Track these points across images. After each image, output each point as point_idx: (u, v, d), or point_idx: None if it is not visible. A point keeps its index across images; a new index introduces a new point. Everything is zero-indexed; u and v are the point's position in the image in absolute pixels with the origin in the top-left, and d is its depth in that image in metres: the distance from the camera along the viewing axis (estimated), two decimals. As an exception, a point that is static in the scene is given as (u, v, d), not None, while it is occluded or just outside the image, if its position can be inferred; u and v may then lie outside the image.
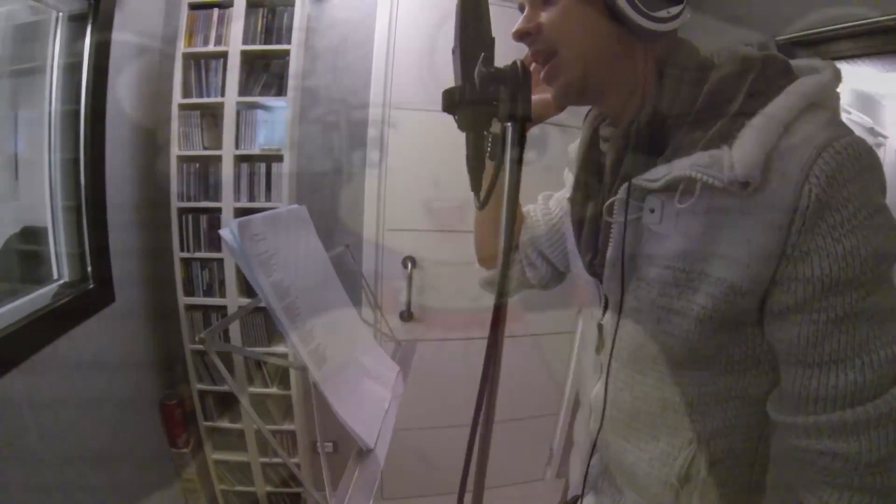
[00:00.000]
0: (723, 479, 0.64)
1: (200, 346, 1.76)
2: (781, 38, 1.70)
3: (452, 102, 0.58)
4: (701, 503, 0.64)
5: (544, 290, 0.95)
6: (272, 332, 1.89)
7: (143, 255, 1.81)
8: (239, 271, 1.80)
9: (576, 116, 0.80)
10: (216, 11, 1.69)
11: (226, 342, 1.81)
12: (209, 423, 1.88)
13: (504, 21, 0.64)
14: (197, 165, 1.75)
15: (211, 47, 1.69)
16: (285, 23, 1.71)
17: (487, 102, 0.54)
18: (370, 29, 1.89)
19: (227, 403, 1.92)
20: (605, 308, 0.70)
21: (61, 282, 1.46)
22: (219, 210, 1.76)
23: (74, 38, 1.42)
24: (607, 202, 0.62)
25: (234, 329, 1.81)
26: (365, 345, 1.03)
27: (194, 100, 1.71)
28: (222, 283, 1.80)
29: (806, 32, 1.62)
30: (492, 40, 0.58)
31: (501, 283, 0.51)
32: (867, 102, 1.98)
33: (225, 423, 1.89)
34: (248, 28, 1.69)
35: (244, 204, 1.77)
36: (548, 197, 0.92)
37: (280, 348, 1.86)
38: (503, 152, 0.52)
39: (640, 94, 0.62)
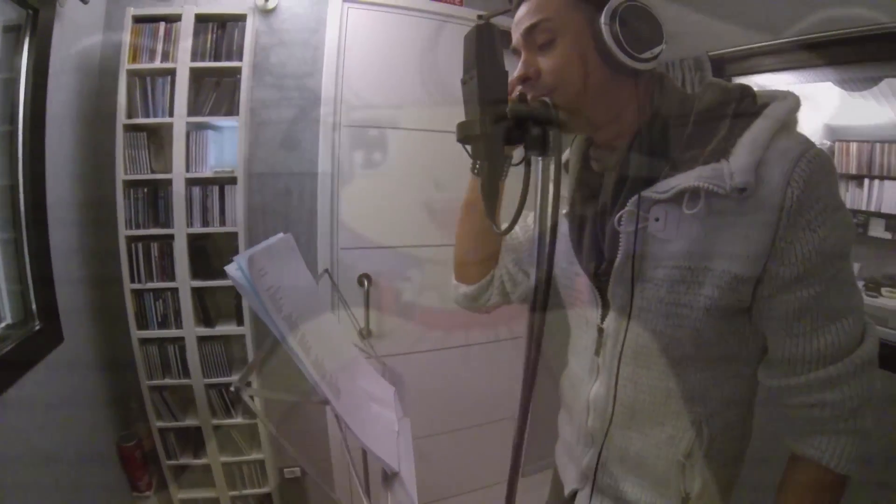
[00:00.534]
0: (719, 450, 0.77)
1: (159, 383, 1.74)
2: (713, 53, 1.92)
3: (470, 134, 0.66)
4: (702, 474, 0.76)
5: (522, 303, 1.00)
6: (232, 361, 1.85)
7: (90, 289, 1.73)
8: (196, 300, 1.76)
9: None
10: (162, 25, 1.63)
11: (185, 377, 1.78)
12: (172, 462, 1.82)
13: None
14: (145, 190, 1.68)
15: (157, 64, 1.63)
16: (236, 39, 1.68)
17: (511, 138, 0.63)
18: (320, 44, 1.89)
19: (189, 439, 1.87)
20: (605, 313, 0.78)
21: (3, 324, 1.38)
22: (170, 237, 1.70)
23: (9, 51, 1.34)
24: (617, 215, 0.70)
25: (193, 360, 1.76)
26: (362, 369, 1.09)
27: (140, 120, 1.64)
28: (178, 313, 1.74)
29: (735, 49, 1.85)
30: (506, 74, 0.67)
31: (543, 296, 0.60)
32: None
33: (189, 460, 1.85)
34: (197, 44, 1.64)
35: (197, 229, 1.73)
36: (526, 214, 1.01)
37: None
38: (527, 180, 0.65)
39: (633, 122, 0.71)
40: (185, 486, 1.88)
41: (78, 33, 1.60)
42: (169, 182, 1.69)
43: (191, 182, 1.71)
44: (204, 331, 1.78)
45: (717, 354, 0.72)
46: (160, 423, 1.78)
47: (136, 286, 1.70)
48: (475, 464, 2.44)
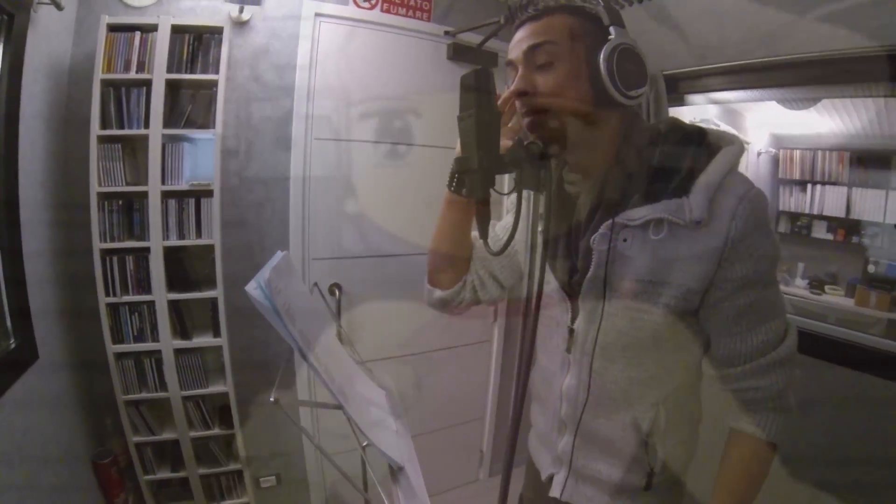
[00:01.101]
0: (675, 428, 0.93)
1: (135, 397, 1.78)
2: (667, 72, 2.12)
3: (467, 167, 0.77)
4: (663, 449, 0.92)
5: (491, 305, 1.18)
6: (210, 373, 1.91)
7: (64, 303, 1.75)
8: (173, 313, 1.80)
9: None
10: (138, 35, 1.66)
11: (163, 390, 1.82)
12: (150, 477, 1.85)
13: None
14: (120, 202, 1.71)
15: (133, 74, 1.66)
16: (212, 51, 1.72)
17: (503, 168, 0.76)
18: (292, 58, 1.97)
19: (166, 453, 1.90)
20: (574, 315, 0.92)
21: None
22: (146, 250, 1.73)
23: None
24: (592, 236, 0.83)
25: (170, 373, 1.80)
26: (359, 376, 1.20)
27: (115, 131, 1.67)
28: (154, 326, 1.77)
29: (687, 69, 2.06)
30: (499, 116, 0.78)
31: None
32: (732, 115, 2.50)
33: (167, 474, 1.88)
34: (174, 55, 1.68)
35: (173, 242, 1.77)
36: (494, 223, 1.07)
37: (220, 387, 1.91)
38: (518, 211, 0.78)
39: (607, 152, 0.84)
40: (162, 501, 1.91)
41: (49, 40, 1.60)
42: (143, 194, 1.72)
43: (167, 195, 1.74)
44: (181, 343, 1.82)
45: (670, 348, 0.88)
46: (137, 438, 1.81)
47: (112, 300, 1.72)
48: (446, 465, 2.59)
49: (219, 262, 1.83)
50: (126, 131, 1.69)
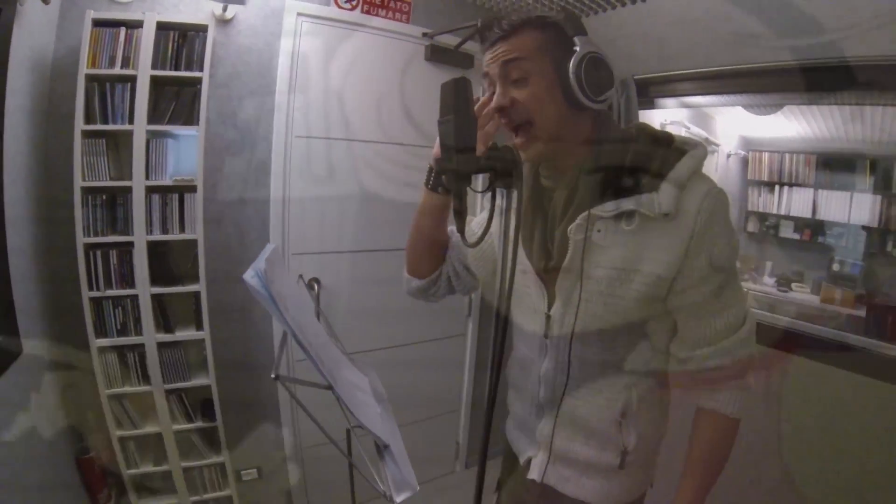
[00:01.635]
0: (646, 409, 1.03)
1: (118, 391, 1.84)
2: (638, 76, 2.26)
3: (447, 167, 0.85)
4: (636, 429, 1.01)
5: (465, 295, 1.27)
6: (192, 366, 1.97)
7: (48, 298, 1.79)
8: (156, 307, 1.86)
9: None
10: (123, 31, 1.69)
11: (146, 383, 1.89)
12: (133, 471, 1.89)
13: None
14: (104, 197, 1.75)
15: (117, 70, 1.70)
16: (197, 48, 1.78)
17: (480, 169, 0.84)
18: (274, 56, 2.04)
19: (148, 447, 1.95)
20: (551, 302, 1.00)
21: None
22: (130, 244, 1.78)
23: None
24: (570, 226, 0.92)
25: (153, 366, 1.85)
26: (344, 362, 1.29)
27: (99, 126, 1.70)
28: (137, 320, 1.82)
29: (657, 74, 2.20)
30: (475, 120, 0.87)
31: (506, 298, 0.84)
32: (703, 118, 2.65)
33: (149, 468, 1.93)
34: (158, 51, 1.73)
35: (157, 237, 1.82)
36: (469, 219, 1.15)
37: (203, 380, 1.97)
38: (492, 207, 0.89)
39: (581, 150, 0.93)
40: (145, 496, 1.96)
41: (33, 34, 1.63)
42: (127, 189, 1.76)
43: (150, 189, 1.79)
44: (164, 337, 1.87)
45: (639, 332, 0.98)
46: (120, 432, 1.85)
47: (95, 294, 1.76)
48: (422, 458, 2.68)
49: (202, 256, 1.88)
50: (110, 126, 1.73)
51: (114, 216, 1.80)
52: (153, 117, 1.78)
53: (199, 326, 1.93)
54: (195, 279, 1.91)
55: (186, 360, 1.94)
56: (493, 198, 0.91)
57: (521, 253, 1.03)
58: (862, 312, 1.93)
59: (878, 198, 1.96)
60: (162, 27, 1.75)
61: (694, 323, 0.95)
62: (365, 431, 1.09)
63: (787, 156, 2.37)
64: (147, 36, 1.71)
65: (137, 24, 1.72)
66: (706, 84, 2.07)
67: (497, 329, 0.88)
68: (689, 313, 0.94)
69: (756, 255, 2.64)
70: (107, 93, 1.73)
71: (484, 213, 1.19)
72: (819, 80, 1.85)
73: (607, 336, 0.98)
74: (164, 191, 1.83)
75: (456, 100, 0.82)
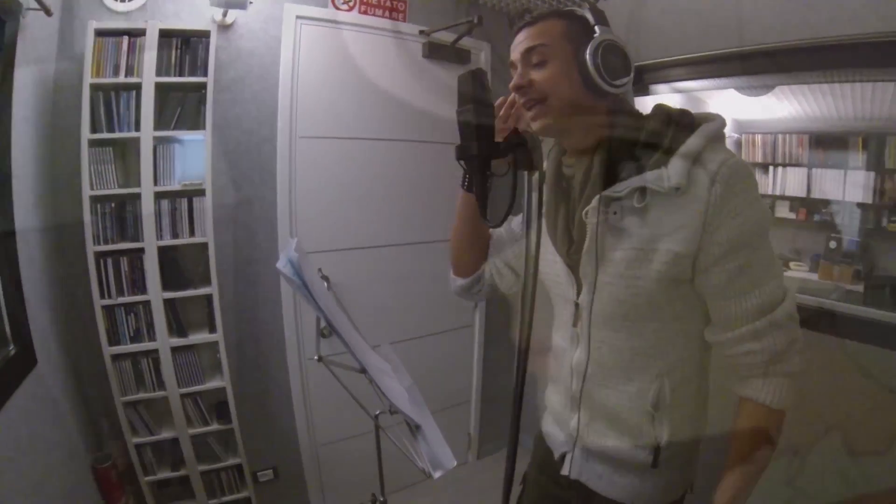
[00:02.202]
0: (680, 401, 1.00)
1: (133, 398, 1.87)
2: (634, 64, 2.34)
3: (469, 153, 0.90)
4: (670, 422, 0.99)
5: (508, 293, 1.26)
6: (206, 369, 2.00)
7: (59, 307, 1.81)
8: (168, 312, 1.89)
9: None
10: (125, 39, 1.73)
11: (161, 389, 1.92)
12: (151, 478, 1.92)
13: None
14: (112, 205, 1.78)
15: (122, 78, 1.73)
16: (200, 53, 1.82)
17: (498, 154, 0.89)
18: (275, 59, 2.09)
19: (164, 452, 1.98)
20: (579, 291, 1.02)
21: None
22: (140, 251, 1.82)
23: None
24: (584, 210, 0.94)
25: (168, 372, 1.88)
26: (367, 349, 1.34)
27: (105, 135, 1.74)
28: (151, 326, 1.85)
29: (652, 61, 2.27)
30: (492, 108, 0.90)
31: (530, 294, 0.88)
32: (695, 102, 2.73)
33: (167, 474, 1.96)
34: (162, 59, 1.77)
35: (167, 242, 1.85)
36: (510, 220, 1.22)
37: (217, 382, 2.02)
38: (514, 189, 0.90)
39: (597, 134, 0.95)
40: (163, 502, 1.99)
41: (36, 45, 1.66)
42: (136, 196, 1.80)
43: (159, 195, 1.83)
44: (177, 341, 1.90)
45: (668, 316, 0.96)
46: (136, 439, 1.88)
47: (107, 302, 1.79)
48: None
49: (213, 259, 1.92)
50: (117, 134, 1.77)
51: (123, 223, 1.83)
52: (159, 124, 1.81)
53: (213, 329, 1.97)
54: (206, 282, 1.95)
55: (200, 363, 1.97)
56: (515, 182, 0.91)
57: (549, 241, 1.07)
58: (859, 287, 1.99)
59: (872, 174, 2.01)
60: (164, 34, 1.79)
61: (722, 304, 0.91)
62: (392, 416, 1.15)
63: (780, 136, 2.42)
64: (150, 44, 1.75)
65: (140, 33, 1.76)
66: (699, 69, 2.15)
67: (524, 316, 0.91)
68: (717, 293, 0.91)
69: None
70: (112, 101, 1.76)
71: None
72: (810, 59, 1.92)
73: (633, 321, 0.97)
74: (172, 196, 1.87)
75: (473, 90, 0.86)
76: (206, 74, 1.85)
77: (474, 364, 2.94)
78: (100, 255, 1.79)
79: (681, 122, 0.92)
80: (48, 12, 1.60)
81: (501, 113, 1.04)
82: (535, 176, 0.88)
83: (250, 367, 2.16)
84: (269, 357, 2.23)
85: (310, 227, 2.27)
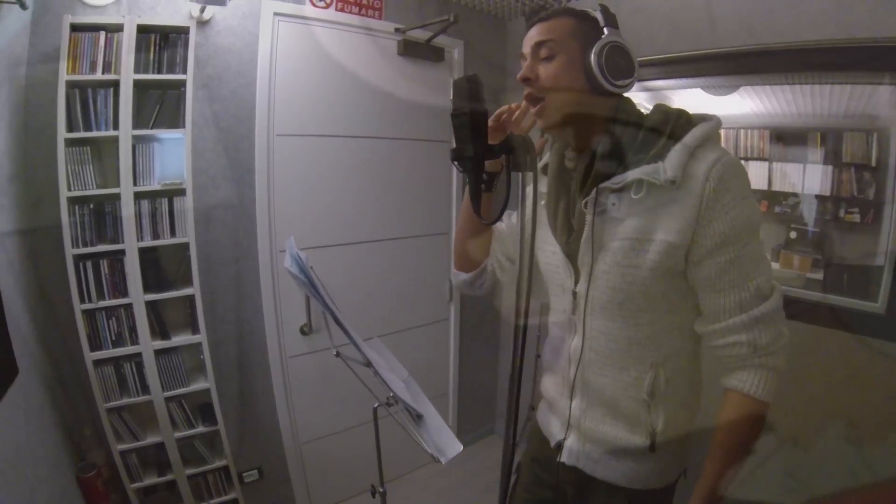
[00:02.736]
0: (675, 390, 1.05)
1: (117, 403, 1.85)
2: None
3: (463, 155, 0.93)
4: (665, 410, 1.04)
5: (512, 284, 1.34)
6: (189, 371, 1.99)
7: (38, 313, 1.77)
8: (150, 314, 1.87)
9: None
10: (102, 35, 1.69)
11: (145, 393, 1.90)
12: (137, 485, 1.89)
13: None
14: (91, 206, 1.75)
15: (99, 75, 1.70)
16: (179, 50, 1.79)
17: (492, 156, 0.92)
18: (253, 56, 2.08)
19: (150, 458, 1.95)
20: (577, 280, 1.08)
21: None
22: (121, 253, 1.79)
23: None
24: (583, 200, 0.99)
25: (152, 375, 1.86)
26: (364, 344, 1.37)
27: (83, 134, 1.70)
28: (133, 329, 1.83)
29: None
30: (486, 112, 0.94)
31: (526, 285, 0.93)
32: (661, 100, 2.86)
33: (153, 479, 1.93)
34: (140, 55, 1.74)
35: (148, 243, 1.83)
36: (510, 214, 1.28)
37: (201, 384, 2.00)
38: (508, 187, 0.92)
39: (598, 131, 1.01)
40: (150, 508, 1.98)
41: (9, 40, 1.61)
42: (115, 197, 1.77)
43: (139, 195, 1.80)
44: (160, 344, 1.88)
45: (662, 307, 1.01)
46: (121, 446, 1.85)
47: (88, 306, 1.75)
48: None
49: (195, 259, 1.91)
50: (94, 133, 1.73)
51: (102, 225, 1.79)
52: (138, 122, 1.78)
53: (196, 330, 1.95)
54: (188, 283, 1.93)
55: (183, 365, 1.96)
56: (508, 181, 0.94)
57: (549, 232, 1.13)
58: (818, 275, 2.13)
59: (830, 168, 2.14)
60: (142, 30, 1.75)
61: (712, 296, 0.96)
62: (388, 407, 1.19)
63: (743, 132, 2.54)
64: (128, 40, 1.72)
65: (117, 28, 1.72)
66: (668, 69, 2.26)
67: (519, 306, 0.94)
68: (707, 285, 0.96)
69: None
70: (89, 99, 1.72)
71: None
72: (773, 62, 2.05)
73: (629, 311, 1.02)
74: (152, 196, 1.84)
75: (469, 94, 0.91)
76: (185, 72, 1.82)
77: (451, 357, 3.02)
78: (79, 258, 1.75)
79: (678, 121, 0.98)
80: (23, 5, 1.55)
81: (491, 124, 1.09)
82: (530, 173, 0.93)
83: (232, 367, 2.16)
84: (251, 356, 2.23)
85: (287, 224, 2.28)
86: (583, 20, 0.99)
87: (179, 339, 1.95)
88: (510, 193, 0.96)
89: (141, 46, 1.76)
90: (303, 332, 2.39)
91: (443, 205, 2.76)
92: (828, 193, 2.14)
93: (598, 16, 0.98)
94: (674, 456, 1.12)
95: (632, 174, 0.95)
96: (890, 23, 1.60)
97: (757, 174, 2.51)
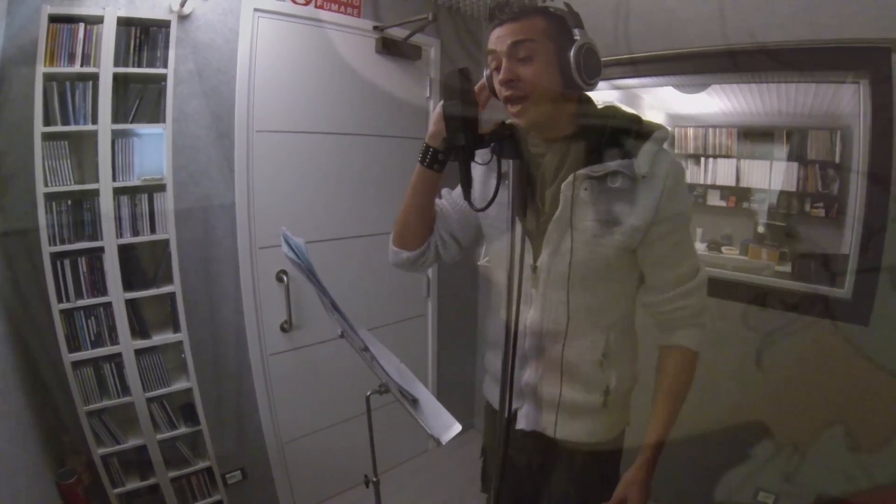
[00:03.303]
0: (621, 350, 1.21)
1: (97, 406, 1.81)
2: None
3: (456, 143, 1.05)
4: (614, 368, 1.19)
5: (450, 262, 1.40)
6: (171, 371, 1.97)
7: (13, 315, 1.73)
8: (131, 312, 1.84)
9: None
10: (82, 27, 1.66)
11: (126, 395, 1.86)
12: (119, 490, 1.85)
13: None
14: (69, 202, 1.71)
15: (77, 68, 1.67)
16: (160, 44, 1.78)
17: (482, 145, 1.05)
18: (233, 52, 2.07)
19: (132, 461, 1.91)
20: (535, 256, 1.17)
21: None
22: (99, 250, 1.76)
23: None
24: (563, 184, 1.08)
25: (133, 376, 1.83)
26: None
27: (60, 128, 1.67)
28: (112, 329, 1.79)
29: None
30: (476, 104, 1.05)
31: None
32: (631, 97, 2.95)
33: (136, 484, 1.90)
34: (120, 48, 1.71)
35: (128, 240, 1.80)
36: (448, 191, 1.36)
37: (183, 384, 1.98)
38: (499, 174, 1.10)
39: (568, 124, 1.11)
40: (133, 512, 1.93)
41: None
42: (93, 193, 1.74)
43: (118, 191, 1.77)
44: (141, 343, 1.86)
45: (614, 278, 1.16)
46: (102, 450, 1.81)
47: (66, 305, 1.71)
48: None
49: (175, 256, 1.89)
50: (72, 127, 1.70)
51: (80, 221, 1.75)
52: (117, 116, 1.76)
53: (177, 328, 1.93)
54: (168, 280, 1.91)
55: (164, 364, 1.93)
56: (500, 167, 1.08)
57: (506, 211, 1.17)
58: (786, 267, 2.25)
59: (795, 164, 2.25)
60: (122, 23, 1.73)
61: (661, 271, 1.14)
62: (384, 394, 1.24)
63: (711, 130, 2.62)
64: (108, 32, 1.69)
65: (97, 20, 1.69)
66: (640, 67, 2.36)
67: (511, 291, 1.06)
68: (657, 262, 1.14)
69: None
70: (66, 92, 1.69)
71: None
72: (742, 62, 2.15)
73: (590, 282, 1.15)
74: (132, 191, 1.81)
75: (461, 85, 1.01)
76: (165, 66, 1.81)
77: (429, 353, 3.06)
78: (56, 256, 1.71)
79: (640, 124, 1.12)
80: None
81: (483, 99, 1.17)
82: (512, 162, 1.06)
83: (212, 366, 2.13)
84: (231, 355, 2.21)
85: (267, 221, 2.27)
86: (553, 20, 1.06)
87: (160, 339, 1.92)
88: (501, 178, 1.10)
89: (121, 39, 1.74)
90: (283, 329, 2.38)
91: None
92: (794, 189, 2.24)
93: (567, 17, 1.06)
94: (621, 409, 1.27)
95: (610, 166, 1.07)
96: (854, 24, 1.71)
97: (725, 171, 2.61)
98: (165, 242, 1.89)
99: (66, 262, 1.73)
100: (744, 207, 2.62)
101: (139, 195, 1.83)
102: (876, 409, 1.82)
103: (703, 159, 2.64)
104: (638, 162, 1.05)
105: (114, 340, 1.82)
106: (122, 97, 1.80)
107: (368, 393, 1.39)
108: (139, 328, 1.88)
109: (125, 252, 1.83)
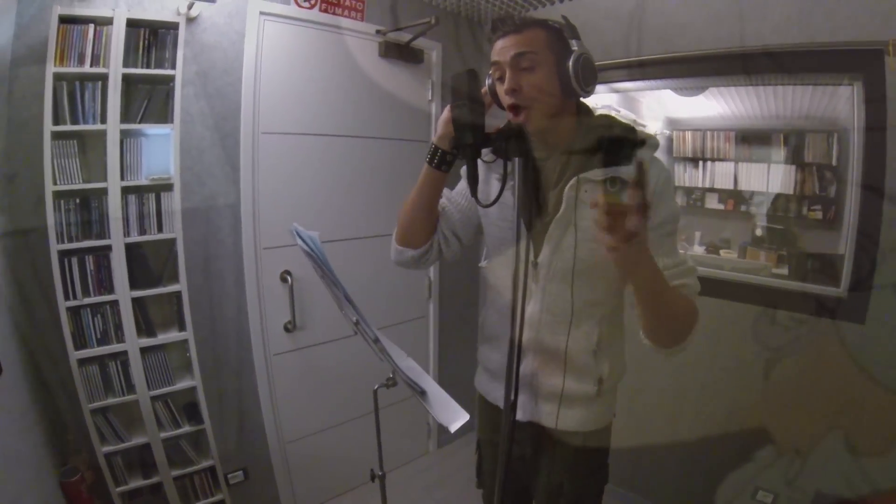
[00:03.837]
0: (612, 341, 1.28)
1: (102, 404, 1.83)
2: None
3: (464, 143, 1.11)
4: (607, 357, 1.25)
5: (451, 260, 1.46)
6: (176, 369, 1.99)
7: (21, 310, 1.75)
8: (137, 310, 1.86)
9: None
10: (92, 28, 1.70)
11: (130, 393, 1.89)
12: (122, 488, 1.87)
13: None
14: (77, 201, 1.74)
15: (87, 68, 1.70)
16: (168, 45, 1.82)
17: (489, 144, 1.11)
18: (238, 55, 2.11)
19: (135, 459, 1.93)
20: (536, 252, 1.22)
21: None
22: (107, 248, 1.78)
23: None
24: (567, 186, 1.15)
25: (138, 374, 1.86)
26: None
27: (69, 127, 1.70)
28: (119, 327, 1.82)
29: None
30: (483, 105, 1.13)
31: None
32: (630, 101, 3.00)
33: (139, 482, 1.91)
34: (129, 49, 1.75)
35: (135, 238, 1.83)
36: (448, 191, 1.42)
37: (187, 382, 2.00)
38: (505, 173, 1.20)
39: (568, 130, 1.20)
40: (136, 510, 1.94)
41: None
42: (101, 191, 1.77)
43: (126, 190, 1.80)
44: (147, 341, 1.88)
45: (608, 275, 1.21)
46: (106, 448, 1.83)
47: (72, 303, 1.74)
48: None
49: (182, 255, 1.92)
50: (81, 127, 1.73)
51: (88, 220, 1.78)
52: (126, 116, 1.79)
53: (182, 327, 1.96)
54: (174, 279, 1.94)
55: (169, 363, 1.95)
56: (506, 166, 1.15)
57: (509, 210, 1.23)
58: (783, 270, 2.28)
59: (793, 167, 2.29)
60: (132, 24, 1.77)
61: (658, 257, 1.16)
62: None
63: (709, 133, 2.65)
64: (118, 33, 1.73)
65: (107, 21, 1.73)
66: (639, 71, 2.41)
67: (517, 286, 1.11)
68: (653, 249, 1.15)
69: (685, 227, 2.96)
70: (76, 92, 1.72)
71: (462, 183, 1.41)
72: (739, 65, 2.20)
73: (586, 277, 1.20)
74: (140, 191, 1.84)
75: (468, 87, 1.08)
76: (174, 67, 1.85)
77: (430, 355, 3.09)
78: (64, 254, 1.74)
79: (635, 133, 1.19)
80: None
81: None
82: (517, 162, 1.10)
83: (216, 365, 2.15)
84: (235, 354, 2.23)
85: (271, 222, 2.30)
86: (552, 32, 1.14)
87: (165, 337, 1.94)
88: (506, 177, 1.17)
89: (130, 40, 1.77)
90: (286, 330, 2.40)
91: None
92: (791, 192, 2.28)
93: (565, 29, 1.13)
94: (611, 397, 1.34)
95: (611, 171, 1.14)
96: (848, 28, 1.77)
97: (723, 174, 2.65)
98: (172, 241, 1.92)
99: (74, 260, 1.76)
100: (742, 210, 2.65)
101: (147, 194, 1.86)
102: (877, 409, 1.86)
103: (701, 162, 2.68)
104: (633, 168, 1.10)
105: (120, 338, 1.85)
106: (131, 98, 1.83)
107: (376, 387, 1.42)
108: (145, 326, 1.90)
109: (132, 250, 1.85)
